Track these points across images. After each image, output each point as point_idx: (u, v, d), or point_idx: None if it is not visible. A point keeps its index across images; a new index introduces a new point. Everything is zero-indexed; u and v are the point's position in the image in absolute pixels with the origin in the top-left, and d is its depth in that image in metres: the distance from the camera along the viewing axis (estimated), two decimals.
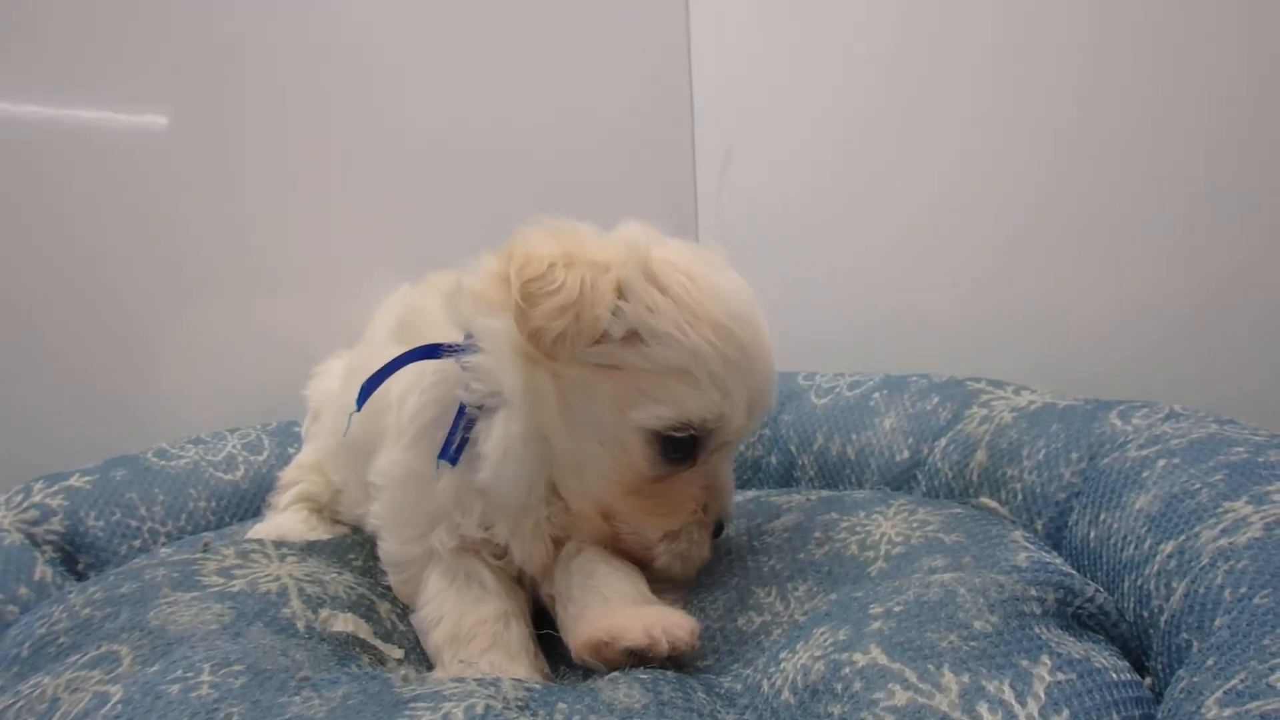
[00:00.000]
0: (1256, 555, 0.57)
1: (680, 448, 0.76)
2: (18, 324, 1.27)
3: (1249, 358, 1.10)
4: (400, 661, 0.76)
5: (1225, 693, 0.48)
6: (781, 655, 0.63)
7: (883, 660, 0.56)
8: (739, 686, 0.65)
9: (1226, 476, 0.66)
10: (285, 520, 1.08)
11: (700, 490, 0.79)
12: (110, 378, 1.34)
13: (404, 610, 0.83)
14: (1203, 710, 0.48)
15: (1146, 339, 1.19)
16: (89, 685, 0.61)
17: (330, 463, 1.11)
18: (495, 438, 0.75)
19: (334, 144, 1.52)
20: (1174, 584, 0.61)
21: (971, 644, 0.56)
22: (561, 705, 0.58)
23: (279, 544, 0.89)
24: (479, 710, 0.55)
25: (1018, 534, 0.75)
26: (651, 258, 0.74)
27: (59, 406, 1.29)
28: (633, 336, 0.73)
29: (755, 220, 1.76)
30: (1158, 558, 0.64)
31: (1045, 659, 0.55)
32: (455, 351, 0.76)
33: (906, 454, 1.07)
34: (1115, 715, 0.52)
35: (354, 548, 0.94)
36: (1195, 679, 0.51)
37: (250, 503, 1.22)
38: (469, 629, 0.74)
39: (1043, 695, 0.52)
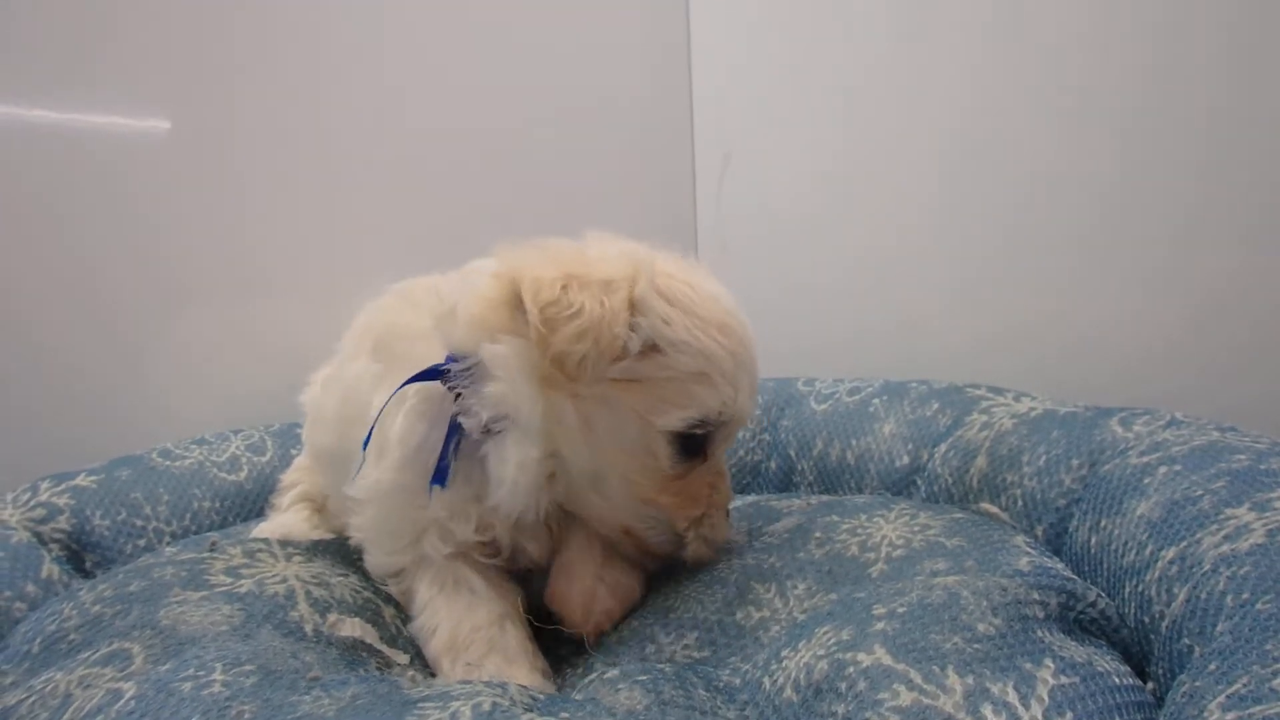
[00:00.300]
0: (1259, 561, 0.57)
1: (697, 443, 0.79)
2: (20, 326, 1.27)
3: (1247, 364, 1.11)
4: (405, 667, 0.76)
5: (1228, 697, 0.48)
6: (783, 653, 0.63)
7: (887, 661, 0.56)
8: (737, 681, 0.65)
9: (1228, 483, 0.66)
10: (288, 519, 1.09)
11: (712, 477, 0.82)
12: (112, 381, 1.34)
13: (407, 616, 0.83)
14: (1205, 714, 0.48)
15: (1145, 346, 1.20)
16: (102, 682, 0.61)
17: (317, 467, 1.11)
18: (511, 461, 0.75)
19: (333, 148, 1.52)
20: (1175, 589, 0.61)
21: (975, 646, 0.56)
22: (564, 715, 0.58)
23: (284, 543, 0.90)
24: (486, 708, 0.56)
25: (1019, 539, 0.75)
26: (657, 271, 0.76)
27: (61, 408, 1.29)
28: (649, 349, 0.74)
29: (754, 224, 1.76)
30: (1159, 563, 0.65)
31: (1049, 662, 0.55)
32: (451, 374, 0.76)
33: (906, 460, 1.07)
34: (1118, 719, 0.53)
35: (357, 549, 0.94)
36: (1197, 683, 0.52)
37: (254, 503, 1.23)
38: (465, 637, 0.75)
39: (1046, 698, 0.52)
